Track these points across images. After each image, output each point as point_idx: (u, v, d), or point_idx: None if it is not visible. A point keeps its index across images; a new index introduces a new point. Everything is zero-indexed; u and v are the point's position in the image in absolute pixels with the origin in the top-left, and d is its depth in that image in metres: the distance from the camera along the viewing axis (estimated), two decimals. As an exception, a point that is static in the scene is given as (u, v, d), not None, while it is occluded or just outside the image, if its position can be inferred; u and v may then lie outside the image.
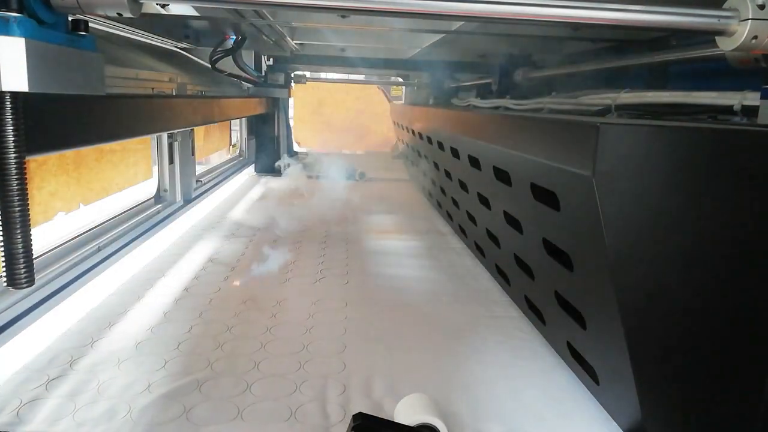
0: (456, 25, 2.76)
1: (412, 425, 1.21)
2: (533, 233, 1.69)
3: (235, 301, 2.05)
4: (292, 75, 5.26)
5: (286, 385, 1.48)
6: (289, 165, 5.12)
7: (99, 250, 2.20)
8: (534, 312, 1.88)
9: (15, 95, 1.01)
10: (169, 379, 1.48)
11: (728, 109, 1.37)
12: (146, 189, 3.04)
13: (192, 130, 3.31)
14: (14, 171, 1.03)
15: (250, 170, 5.33)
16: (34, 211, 1.75)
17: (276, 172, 5.28)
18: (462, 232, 3.00)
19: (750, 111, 1.32)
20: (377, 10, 1.20)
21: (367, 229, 3.28)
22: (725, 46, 1.18)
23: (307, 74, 5.56)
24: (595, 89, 2.12)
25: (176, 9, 2.50)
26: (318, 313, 1.98)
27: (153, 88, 2.59)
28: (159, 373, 1.51)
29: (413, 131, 3.91)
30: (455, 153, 2.62)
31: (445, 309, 2.07)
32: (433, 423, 1.21)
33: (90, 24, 1.25)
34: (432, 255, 2.80)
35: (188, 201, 3.28)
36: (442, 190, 3.38)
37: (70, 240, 2.09)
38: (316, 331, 1.83)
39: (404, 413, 1.27)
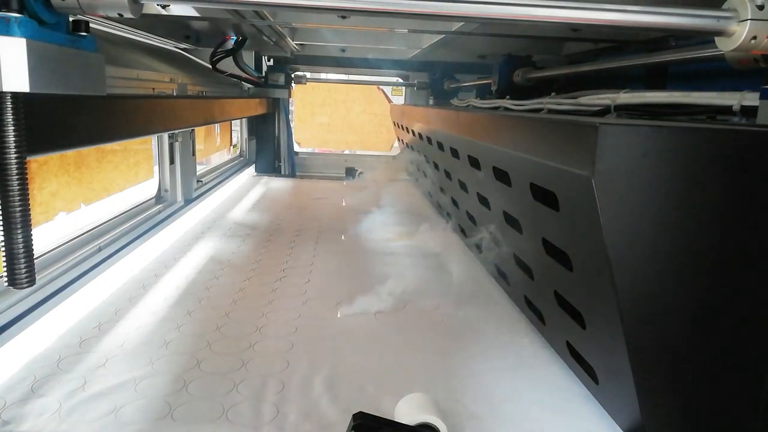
0: (456, 25, 2.77)
1: (412, 425, 1.21)
2: (533, 233, 1.69)
3: (192, 299, 2.04)
4: (293, 75, 5.28)
5: (224, 383, 1.47)
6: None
7: (100, 250, 2.20)
8: (533, 311, 1.88)
9: (16, 95, 1.02)
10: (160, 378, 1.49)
11: (727, 110, 1.37)
12: (147, 189, 3.04)
13: (192, 130, 3.31)
14: (15, 171, 1.03)
15: (251, 170, 5.34)
16: (35, 211, 1.75)
17: (276, 172, 5.30)
18: (462, 232, 3.00)
19: (749, 111, 1.32)
20: (377, 11, 1.20)
21: (361, 226, 3.28)
22: (724, 46, 1.18)
23: (308, 75, 5.57)
24: (594, 89, 2.12)
25: (177, 10, 2.50)
26: (271, 312, 1.96)
27: (153, 89, 2.59)
28: (145, 370, 1.51)
29: (413, 131, 3.91)
30: (455, 153, 2.63)
31: (436, 309, 2.05)
32: (433, 423, 1.21)
33: (91, 24, 1.26)
34: (418, 254, 2.79)
35: (189, 201, 3.28)
36: (442, 190, 3.38)
37: (71, 240, 2.09)
38: (267, 330, 1.82)
39: (404, 413, 1.27)
